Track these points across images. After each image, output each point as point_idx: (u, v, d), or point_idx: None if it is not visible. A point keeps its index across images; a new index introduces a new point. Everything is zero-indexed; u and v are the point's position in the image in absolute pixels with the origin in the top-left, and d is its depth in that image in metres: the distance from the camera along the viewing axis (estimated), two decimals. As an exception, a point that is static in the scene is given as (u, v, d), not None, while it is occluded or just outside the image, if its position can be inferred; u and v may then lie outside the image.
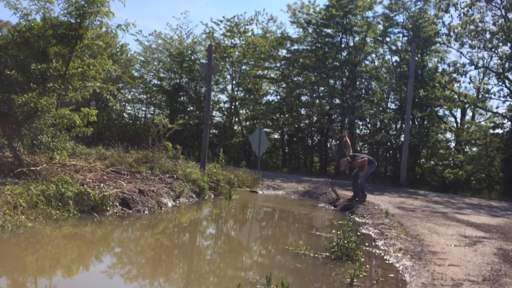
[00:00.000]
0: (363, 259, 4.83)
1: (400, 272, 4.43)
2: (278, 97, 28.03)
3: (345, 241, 4.89)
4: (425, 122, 23.36)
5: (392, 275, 4.33)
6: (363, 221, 7.82)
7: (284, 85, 27.02)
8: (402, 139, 19.56)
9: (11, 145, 7.45)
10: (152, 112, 30.13)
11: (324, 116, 25.46)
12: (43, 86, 8.06)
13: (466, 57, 23.59)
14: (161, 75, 30.03)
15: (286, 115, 26.82)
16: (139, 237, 5.83)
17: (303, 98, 27.08)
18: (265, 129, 25.84)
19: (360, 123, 25.33)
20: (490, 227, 7.34)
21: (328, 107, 25.33)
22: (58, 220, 5.71)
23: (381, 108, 23.67)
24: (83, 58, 8.92)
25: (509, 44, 19.93)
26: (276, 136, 28.71)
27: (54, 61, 8.40)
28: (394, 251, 5.29)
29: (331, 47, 24.74)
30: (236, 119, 28.91)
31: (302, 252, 5.13)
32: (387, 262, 4.90)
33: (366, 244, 5.71)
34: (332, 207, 9.75)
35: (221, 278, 4.32)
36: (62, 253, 4.75)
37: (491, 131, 20.45)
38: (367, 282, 4.12)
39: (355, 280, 4.05)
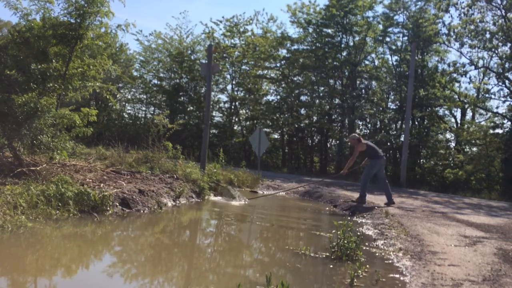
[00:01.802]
0: (363, 259, 4.82)
1: (400, 272, 4.43)
2: (278, 97, 28.07)
3: (345, 241, 4.89)
4: (425, 122, 23.37)
5: (392, 275, 4.33)
6: (363, 221, 7.82)
7: (284, 85, 27.02)
8: (402, 139, 19.56)
9: (11, 145, 7.45)
10: (152, 112, 30.16)
11: (324, 116, 25.47)
12: (43, 86, 8.05)
13: (466, 57, 23.63)
14: (161, 75, 30.06)
15: (286, 115, 26.84)
16: (139, 237, 5.83)
17: (303, 98, 27.13)
18: (265, 129, 25.85)
19: (360, 123, 25.36)
20: (490, 227, 7.34)
21: (328, 107, 25.34)
22: (58, 220, 5.71)
23: (381, 108, 23.68)
24: (83, 58, 8.92)
25: (509, 44, 19.94)
26: (276, 136, 28.73)
27: (54, 61, 8.40)
28: (394, 251, 5.29)
29: (331, 47, 24.75)
30: (236, 119, 28.91)
31: (302, 252, 5.12)
32: (387, 262, 4.90)
33: (366, 244, 5.71)
34: (332, 207, 9.76)
35: (221, 278, 4.32)
36: (62, 253, 4.75)
37: (491, 131, 20.46)
38: (367, 282, 4.11)
39: (355, 280, 4.04)
